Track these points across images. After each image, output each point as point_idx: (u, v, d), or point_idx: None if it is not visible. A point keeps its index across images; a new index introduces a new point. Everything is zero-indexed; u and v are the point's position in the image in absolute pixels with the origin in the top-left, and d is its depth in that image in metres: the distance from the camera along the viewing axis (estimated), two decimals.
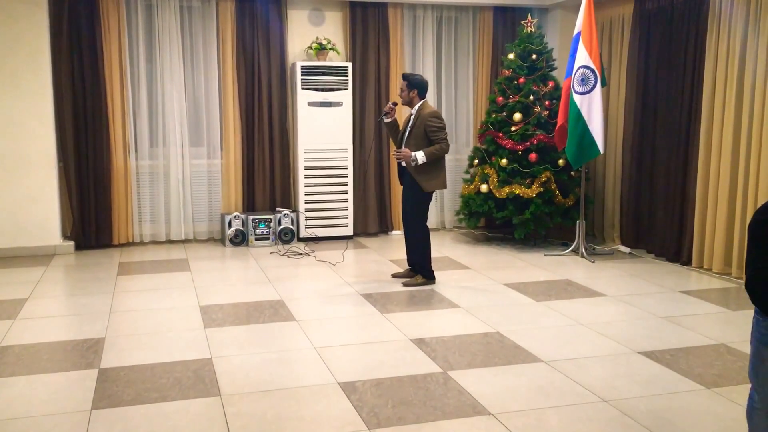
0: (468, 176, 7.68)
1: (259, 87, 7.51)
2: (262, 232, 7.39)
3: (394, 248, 7.30)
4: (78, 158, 7.07)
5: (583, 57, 6.44)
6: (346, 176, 7.67)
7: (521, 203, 7.06)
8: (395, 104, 5.87)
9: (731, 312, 5.12)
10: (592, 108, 6.44)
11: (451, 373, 3.91)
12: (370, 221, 7.96)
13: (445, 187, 5.81)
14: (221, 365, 4.03)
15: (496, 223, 7.68)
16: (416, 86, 5.64)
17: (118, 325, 4.78)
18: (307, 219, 7.60)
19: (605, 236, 7.64)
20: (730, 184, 5.99)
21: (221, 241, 7.55)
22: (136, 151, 7.34)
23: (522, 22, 7.47)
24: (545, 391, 3.69)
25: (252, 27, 7.43)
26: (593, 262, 6.70)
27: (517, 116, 7.13)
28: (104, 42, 7.00)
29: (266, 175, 7.65)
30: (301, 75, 7.38)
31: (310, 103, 7.46)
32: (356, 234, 7.85)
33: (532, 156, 7.02)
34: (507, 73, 7.38)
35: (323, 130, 7.53)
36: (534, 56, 7.25)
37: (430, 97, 7.93)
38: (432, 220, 8.04)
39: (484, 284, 5.91)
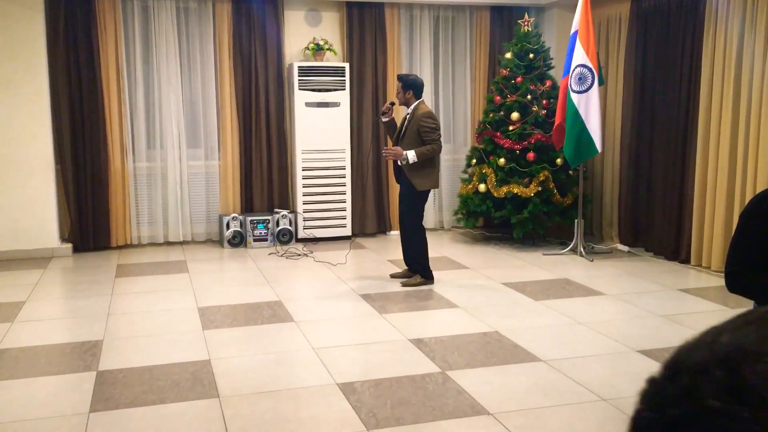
0: (466, 176, 7.68)
1: (256, 88, 7.50)
2: (261, 233, 7.38)
3: (392, 248, 7.29)
4: (75, 161, 7.06)
5: (580, 56, 6.44)
6: (344, 177, 7.67)
7: (519, 202, 7.06)
8: (393, 104, 5.89)
9: (730, 310, 5.12)
10: (589, 107, 6.44)
11: (450, 373, 3.90)
12: (369, 222, 7.95)
13: (436, 187, 5.87)
14: (219, 367, 4.02)
15: (494, 222, 7.68)
16: (411, 87, 5.66)
17: (116, 328, 4.77)
18: (305, 220, 7.59)
19: (603, 235, 7.64)
20: (728, 181, 5.99)
21: (219, 242, 7.54)
22: (133, 153, 7.33)
23: (519, 21, 7.46)
24: (544, 390, 3.68)
25: (249, 28, 7.43)
26: (592, 260, 6.70)
27: (515, 115, 7.12)
28: (101, 44, 6.99)
29: (264, 176, 7.65)
30: (298, 76, 7.37)
31: (308, 104, 7.45)
32: (354, 234, 7.85)
33: (530, 155, 7.02)
34: (504, 72, 7.38)
35: (321, 131, 7.52)
36: (531, 55, 7.25)
37: (428, 96, 7.93)
38: (430, 220, 8.04)
39: (482, 284, 5.90)
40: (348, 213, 7.74)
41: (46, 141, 6.86)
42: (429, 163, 5.64)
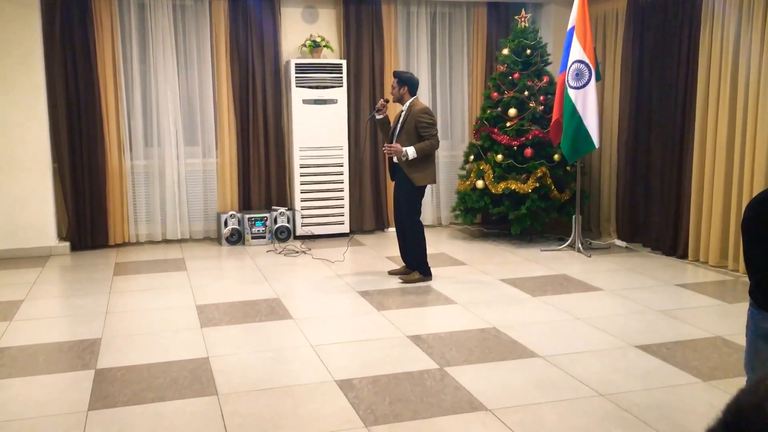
0: (464, 172, 7.68)
1: (254, 85, 7.49)
2: (258, 230, 7.38)
3: (390, 245, 7.29)
4: (72, 159, 7.05)
5: (577, 51, 6.44)
6: (341, 173, 7.67)
7: (517, 199, 7.06)
8: (387, 101, 5.89)
9: (727, 305, 5.13)
10: (586, 102, 6.44)
11: (448, 369, 3.91)
12: (366, 218, 7.95)
13: (434, 182, 5.88)
14: (218, 364, 4.02)
15: (492, 218, 7.68)
16: (406, 83, 5.68)
17: (115, 326, 4.77)
18: (303, 217, 7.59)
19: (601, 231, 7.64)
20: (725, 177, 6.00)
21: (217, 240, 7.54)
22: (130, 151, 7.33)
23: (516, 17, 7.46)
24: (542, 386, 3.69)
25: (245, 25, 7.41)
26: (589, 256, 6.71)
27: (512, 112, 7.12)
28: (97, 42, 6.98)
29: (262, 174, 7.64)
30: (296, 73, 7.37)
31: (305, 101, 7.45)
32: (352, 231, 7.85)
33: (528, 151, 7.02)
34: (501, 68, 7.38)
35: (318, 128, 7.52)
36: (528, 51, 7.25)
37: (425, 93, 7.94)
38: (428, 217, 8.05)
39: (480, 280, 5.91)
40: (346, 210, 7.74)
41: (43, 139, 6.85)
42: (426, 158, 5.65)
